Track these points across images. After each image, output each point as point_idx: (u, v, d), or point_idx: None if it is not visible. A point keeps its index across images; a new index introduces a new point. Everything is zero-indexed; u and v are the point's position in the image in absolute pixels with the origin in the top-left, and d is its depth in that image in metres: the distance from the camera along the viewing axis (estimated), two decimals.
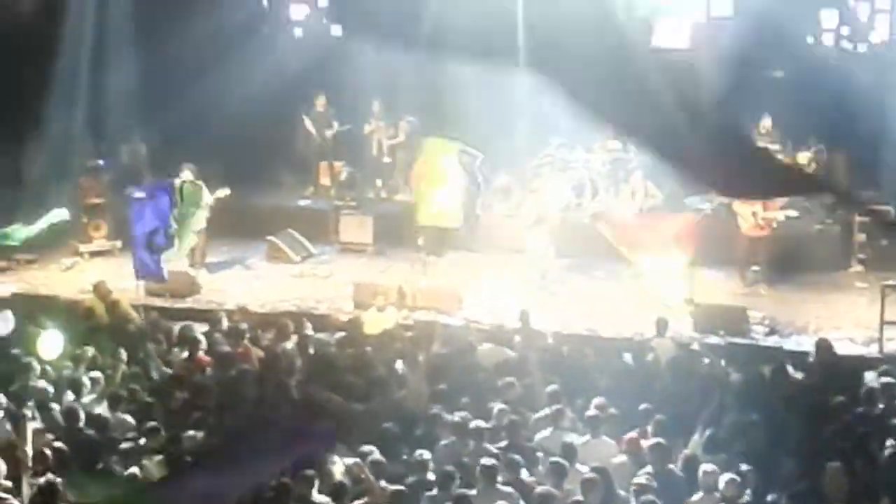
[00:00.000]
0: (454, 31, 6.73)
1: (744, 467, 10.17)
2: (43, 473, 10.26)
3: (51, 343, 12.41)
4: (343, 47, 19.59)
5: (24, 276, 17.69)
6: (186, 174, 17.45)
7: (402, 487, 10.01)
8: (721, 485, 9.85)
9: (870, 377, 12.75)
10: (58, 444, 11.04)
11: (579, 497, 9.75)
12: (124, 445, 11.22)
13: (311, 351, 13.83)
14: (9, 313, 13.72)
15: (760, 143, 15.70)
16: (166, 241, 15.81)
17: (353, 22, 12.64)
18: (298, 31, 22.05)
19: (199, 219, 16.42)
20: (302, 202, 19.36)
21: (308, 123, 19.96)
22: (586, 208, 18.16)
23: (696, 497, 9.84)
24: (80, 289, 16.16)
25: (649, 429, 11.11)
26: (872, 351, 14.10)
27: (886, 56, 17.99)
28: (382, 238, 18.33)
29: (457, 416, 11.70)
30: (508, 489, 10.00)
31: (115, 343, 14.01)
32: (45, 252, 18.13)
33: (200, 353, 13.77)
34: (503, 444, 11.03)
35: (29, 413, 11.57)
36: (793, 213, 16.84)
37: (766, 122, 17.85)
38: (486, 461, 10.28)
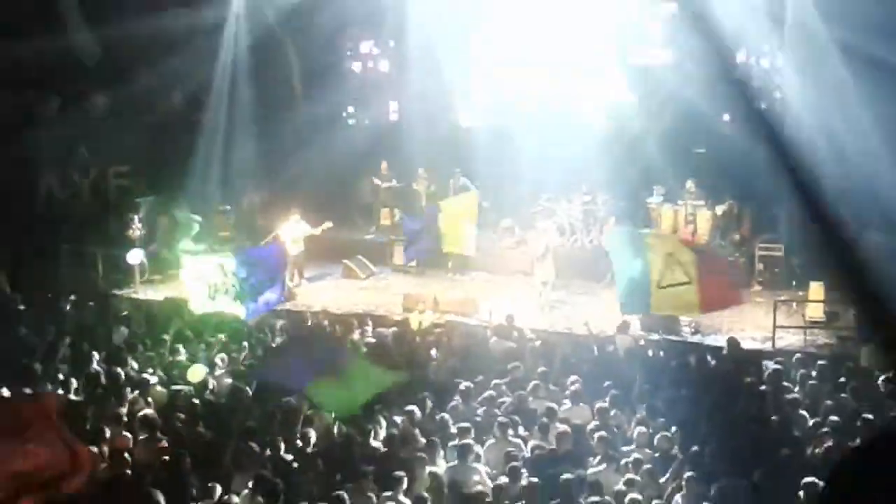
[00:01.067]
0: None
1: (674, 428, 10.14)
2: None
3: (197, 371, 12.35)
4: (398, 131, 19.80)
5: (171, 285, 17.64)
6: (295, 217, 17.56)
7: (434, 438, 10.02)
8: (655, 441, 9.86)
9: (767, 364, 12.68)
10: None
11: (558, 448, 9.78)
12: None
13: (372, 341, 13.82)
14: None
15: None
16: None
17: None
18: (367, 120, 21.80)
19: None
20: (368, 236, 19.45)
21: (375, 181, 19.93)
22: (568, 244, 18.10)
23: (636, 450, 9.81)
24: None
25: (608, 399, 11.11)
26: (767, 346, 14.05)
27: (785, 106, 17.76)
28: (422, 262, 18.13)
29: (470, 385, 11.77)
30: (517, 440, 10.01)
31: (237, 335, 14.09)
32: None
33: None
34: (506, 407, 11.04)
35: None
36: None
37: (691, 184, 17.72)
38: (501, 419, 10.31)
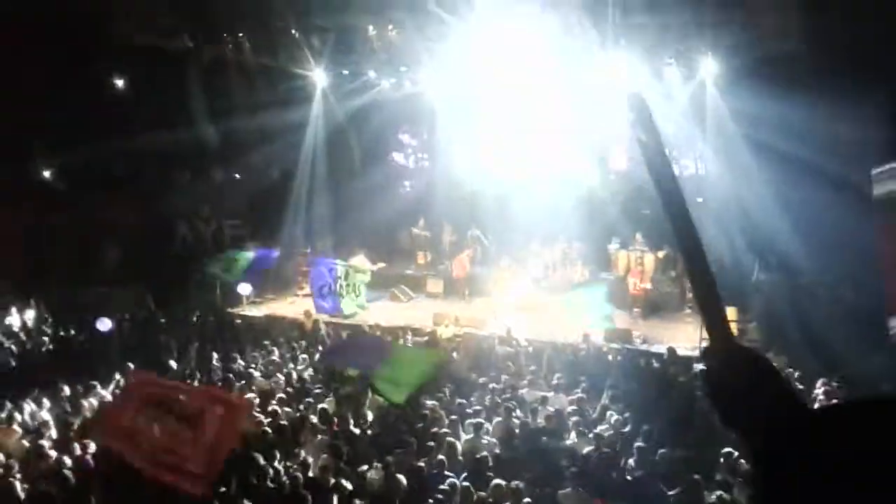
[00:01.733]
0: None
1: (627, 413, 10.07)
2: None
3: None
4: (430, 196, 19.95)
5: (269, 306, 17.73)
6: (360, 256, 17.68)
7: (454, 417, 9.99)
8: (613, 420, 9.80)
9: (696, 367, 12.56)
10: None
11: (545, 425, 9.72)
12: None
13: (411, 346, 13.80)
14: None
15: None
16: (329, 293, 15.88)
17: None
18: (408, 185, 21.95)
19: (358, 292, 16.62)
20: (408, 271, 19.32)
21: (416, 230, 19.94)
22: (550, 279, 18.06)
23: (601, 427, 9.74)
24: (297, 313, 16.12)
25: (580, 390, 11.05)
26: (696, 353, 13.88)
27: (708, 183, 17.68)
28: (447, 291, 18.09)
29: (481, 380, 11.68)
30: (516, 420, 9.97)
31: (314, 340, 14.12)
32: (279, 296, 18.19)
33: None
34: (507, 396, 10.99)
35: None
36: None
37: (639, 235, 17.69)
38: (506, 404, 10.28)
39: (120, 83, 18.94)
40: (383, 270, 18.36)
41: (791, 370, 11.59)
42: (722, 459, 8.48)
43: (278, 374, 12.08)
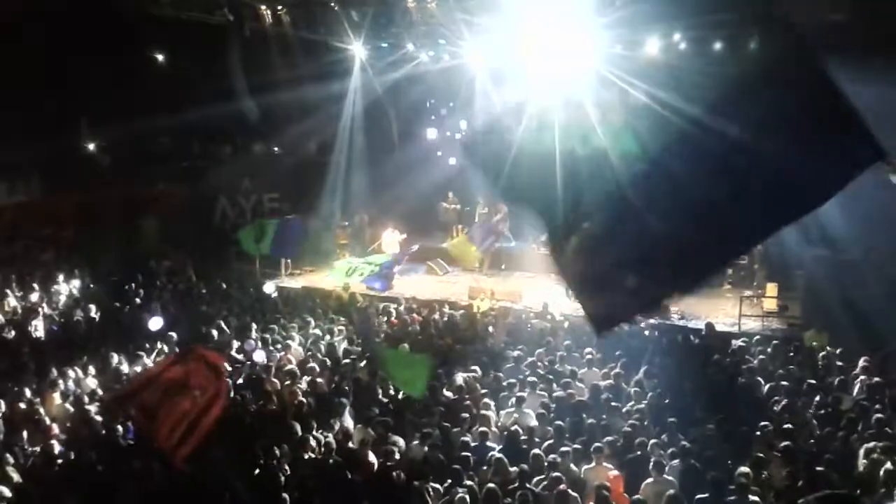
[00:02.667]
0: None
1: (661, 388, 9.98)
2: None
3: None
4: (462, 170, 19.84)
5: (307, 278, 17.90)
6: (389, 229, 17.74)
7: (485, 390, 10.03)
8: (648, 396, 9.72)
9: (734, 343, 12.40)
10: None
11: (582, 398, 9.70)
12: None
13: (446, 319, 13.84)
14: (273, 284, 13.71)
15: None
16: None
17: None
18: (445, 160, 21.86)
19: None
20: (443, 245, 19.22)
21: (446, 205, 19.86)
22: None
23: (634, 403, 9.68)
24: (334, 285, 16.25)
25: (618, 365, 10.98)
26: (735, 329, 13.72)
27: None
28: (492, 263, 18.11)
29: (517, 353, 11.67)
30: (544, 394, 9.94)
31: (350, 312, 14.23)
32: (318, 266, 18.34)
33: (393, 318, 13.88)
34: (542, 370, 10.98)
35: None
36: None
37: None
38: (531, 378, 10.27)
39: (161, 58, 19.14)
40: (418, 245, 18.36)
41: (832, 349, 11.38)
42: (759, 433, 8.40)
43: (315, 345, 12.23)
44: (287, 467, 7.92)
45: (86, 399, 10.02)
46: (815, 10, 14.39)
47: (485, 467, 7.86)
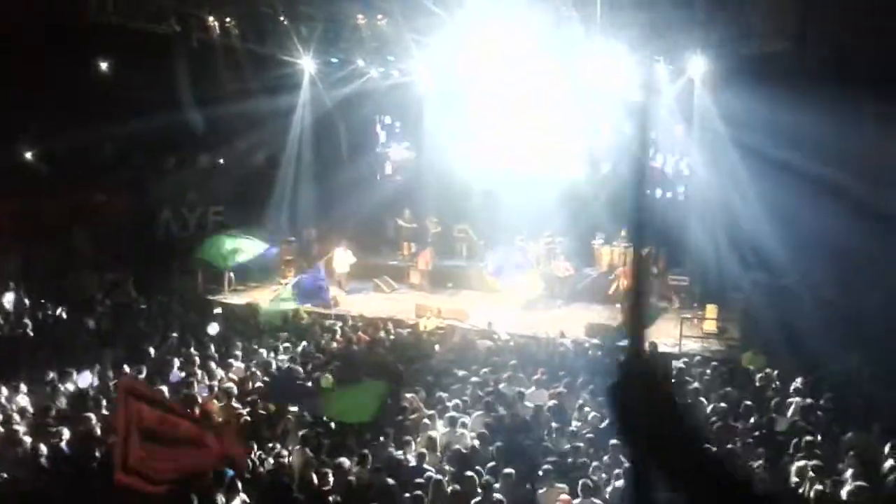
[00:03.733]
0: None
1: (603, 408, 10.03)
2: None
3: None
4: (417, 187, 19.81)
5: (251, 294, 17.60)
6: (342, 247, 17.62)
7: (433, 411, 9.98)
8: (590, 416, 9.77)
9: (675, 363, 12.60)
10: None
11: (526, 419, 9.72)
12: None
13: (392, 338, 13.76)
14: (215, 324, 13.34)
15: None
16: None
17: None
18: (398, 178, 21.78)
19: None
20: (392, 262, 19.23)
21: (399, 222, 19.74)
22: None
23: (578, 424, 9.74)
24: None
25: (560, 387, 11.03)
26: (675, 350, 13.92)
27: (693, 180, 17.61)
28: (432, 282, 18.08)
29: (462, 373, 11.65)
30: (495, 415, 9.95)
31: (296, 330, 14.04)
32: (262, 283, 18.06)
33: (338, 336, 13.73)
34: (488, 390, 10.97)
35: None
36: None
37: (623, 232, 17.74)
38: (486, 399, 10.27)
39: (106, 67, 18.70)
40: (367, 262, 18.27)
41: (769, 370, 11.66)
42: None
43: (257, 364, 12.01)
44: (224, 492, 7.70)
45: (16, 417, 9.62)
46: (756, 37, 14.88)
47: (426, 489, 7.79)
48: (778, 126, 13.58)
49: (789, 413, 10.05)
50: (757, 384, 11.31)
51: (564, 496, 7.71)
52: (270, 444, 8.93)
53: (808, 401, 10.09)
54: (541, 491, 7.93)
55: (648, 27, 15.10)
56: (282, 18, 17.15)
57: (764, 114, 13.71)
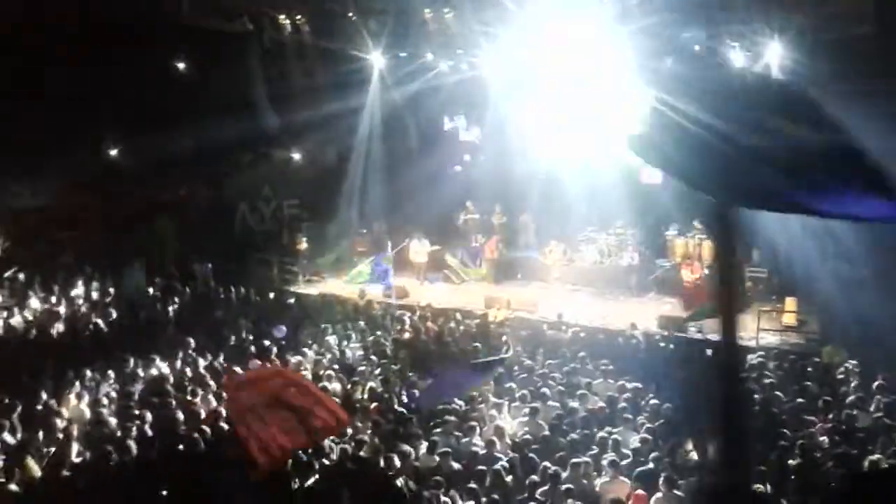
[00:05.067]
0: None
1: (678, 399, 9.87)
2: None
3: None
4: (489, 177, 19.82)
5: (324, 285, 17.94)
6: (419, 236, 17.79)
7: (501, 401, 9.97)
8: (662, 411, 9.61)
9: (750, 357, 12.23)
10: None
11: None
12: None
13: (462, 328, 13.81)
14: (283, 327, 13.42)
15: None
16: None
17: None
18: (467, 171, 21.81)
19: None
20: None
21: (465, 215, 19.81)
22: (605, 264, 17.80)
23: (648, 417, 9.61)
24: (351, 292, 16.27)
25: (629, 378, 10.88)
26: (752, 344, 13.49)
27: None
28: (497, 272, 18.12)
29: (531, 364, 11.62)
30: (556, 405, 9.90)
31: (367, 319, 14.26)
32: (336, 273, 18.37)
33: (407, 326, 13.85)
34: (556, 381, 10.92)
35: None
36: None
37: (698, 223, 17.44)
38: (547, 388, 10.23)
39: (184, 66, 19.34)
40: (437, 253, 18.36)
41: (850, 365, 11.21)
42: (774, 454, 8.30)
43: (330, 352, 12.27)
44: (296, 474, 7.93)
45: (104, 401, 10.12)
46: (836, 21, 14.28)
47: (494, 478, 7.83)
48: (854, 111, 13.00)
49: (871, 409, 9.66)
50: (837, 379, 10.89)
51: (639, 492, 7.61)
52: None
53: (893, 397, 9.66)
54: (602, 481, 7.85)
55: (725, 12, 14.69)
56: (351, 14, 17.39)
57: (839, 98, 13.14)
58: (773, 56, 15.79)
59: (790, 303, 14.79)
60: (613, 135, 18.56)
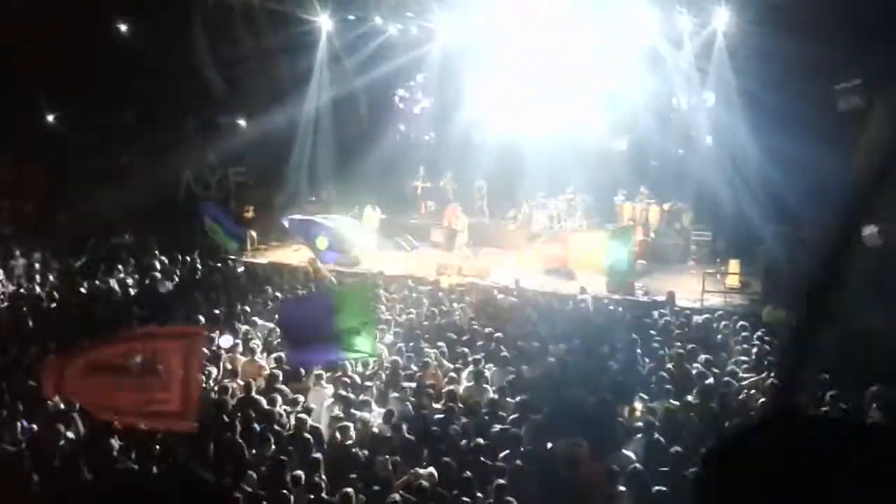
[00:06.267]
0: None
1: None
2: None
3: None
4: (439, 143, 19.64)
5: (273, 253, 17.70)
6: (368, 208, 17.58)
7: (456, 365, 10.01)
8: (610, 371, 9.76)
9: (696, 319, 12.53)
10: None
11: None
12: None
13: (414, 296, 13.77)
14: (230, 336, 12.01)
15: None
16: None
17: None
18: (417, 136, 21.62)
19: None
20: (412, 220, 19.24)
21: (416, 182, 19.72)
22: (555, 229, 17.92)
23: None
24: (300, 261, 16.06)
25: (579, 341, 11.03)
26: (697, 305, 13.84)
27: (712, 156, 17.25)
28: (450, 241, 18.03)
29: (486, 330, 11.65)
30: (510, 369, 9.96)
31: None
32: (284, 243, 18.10)
33: None
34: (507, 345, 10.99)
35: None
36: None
37: (644, 189, 17.66)
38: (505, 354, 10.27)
39: (125, 29, 18.62)
40: (387, 220, 18.26)
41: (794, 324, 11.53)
42: (716, 404, 8.54)
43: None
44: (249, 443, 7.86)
45: None
46: None
47: (450, 442, 7.87)
48: (791, 74, 13.34)
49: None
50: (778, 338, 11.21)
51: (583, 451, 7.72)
52: (294, 399, 9.03)
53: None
54: (555, 445, 7.95)
55: None
56: None
57: (778, 63, 13.44)
58: (720, 22, 15.99)
59: (734, 265, 15.16)
60: (565, 98, 18.65)
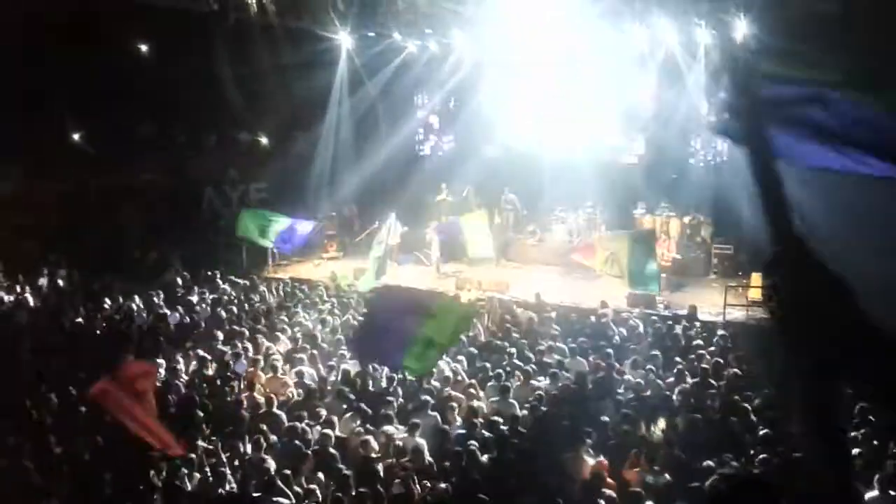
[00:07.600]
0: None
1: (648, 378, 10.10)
2: None
3: None
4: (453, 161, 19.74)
5: (294, 268, 17.87)
6: (392, 217, 17.68)
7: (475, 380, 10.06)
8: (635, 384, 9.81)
9: (720, 332, 12.52)
10: None
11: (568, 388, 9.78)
12: None
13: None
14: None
15: None
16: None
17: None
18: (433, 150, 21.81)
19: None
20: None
21: (438, 197, 19.75)
22: (575, 243, 17.90)
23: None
24: (322, 276, 16.22)
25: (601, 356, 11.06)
26: (720, 319, 13.82)
27: (733, 169, 17.22)
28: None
29: (504, 344, 11.72)
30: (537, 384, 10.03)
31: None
32: (304, 259, 18.28)
33: None
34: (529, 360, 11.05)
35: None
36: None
37: (664, 202, 17.68)
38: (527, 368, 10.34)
39: (146, 48, 18.95)
40: (408, 235, 18.35)
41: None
42: (735, 418, 8.53)
43: (303, 336, 12.23)
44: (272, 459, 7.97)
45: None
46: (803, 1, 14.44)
47: (470, 458, 7.92)
48: (817, 91, 13.28)
49: None
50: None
51: (593, 461, 7.75)
52: (317, 413, 9.13)
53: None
54: (566, 455, 7.98)
55: None
56: None
57: (802, 77, 13.39)
58: (739, 34, 15.98)
59: (756, 278, 15.08)
60: (584, 111, 18.76)
